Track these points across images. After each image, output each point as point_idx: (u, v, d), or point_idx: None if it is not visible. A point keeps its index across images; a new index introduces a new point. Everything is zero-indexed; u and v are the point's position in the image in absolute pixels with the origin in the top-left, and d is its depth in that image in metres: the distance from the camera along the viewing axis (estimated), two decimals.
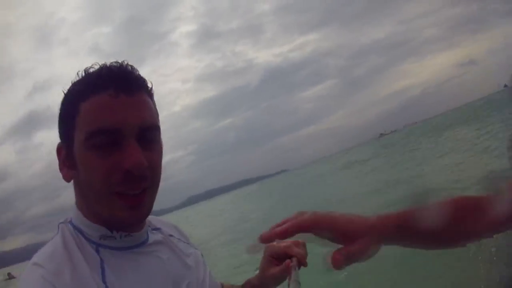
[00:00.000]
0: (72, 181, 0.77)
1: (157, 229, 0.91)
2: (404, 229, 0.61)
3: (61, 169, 0.77)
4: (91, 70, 0.74)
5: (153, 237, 0.86)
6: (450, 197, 0.77)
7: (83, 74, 0.75)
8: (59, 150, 0.77)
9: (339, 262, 0.52)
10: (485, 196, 0.81)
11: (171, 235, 0.93)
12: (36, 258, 0.72)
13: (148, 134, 0.73)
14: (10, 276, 43.76)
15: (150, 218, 0.86)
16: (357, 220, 0.57)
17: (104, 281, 0.70)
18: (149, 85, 0.77)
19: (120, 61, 0.74)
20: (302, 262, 0.85)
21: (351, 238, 0.54)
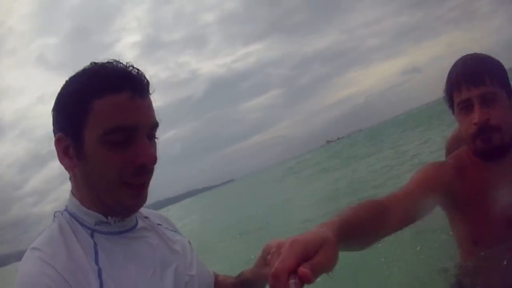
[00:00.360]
0: (68, 170, 0.85)
1: (145, 217, 0.97)
2: (344, 235, 0.72)
3: (61, 159, 0.83)
4: (96, 67, 0.82)
5: (142, 223, 0.93)
6: (360, 202, 0.95)
7: (89, 70, 0.82)
8: (58, 140, 0.83)
9: (307, 276, 0.53)
10: (385, 198, 1.06)
11: (159, 224, 1.00)
12: (34, 243, 0.79)
13: (153, 131, 0.85)
14: None
15: (141, 209, 0.92)
16: (312, 236, 0.60)
17: (97, 263, 0.77)
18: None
19: (126, 63, 0.82)
20: None
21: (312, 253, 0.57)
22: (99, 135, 0.78)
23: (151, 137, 0.85)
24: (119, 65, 0.82)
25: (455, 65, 1.26)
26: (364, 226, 0.88)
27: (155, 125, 0.85)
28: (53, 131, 0.85)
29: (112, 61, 0.82)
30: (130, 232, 0.89)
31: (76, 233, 0.81)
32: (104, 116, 0.78)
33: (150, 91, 0.86)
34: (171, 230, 1.02)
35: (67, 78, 0.84)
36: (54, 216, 0.86)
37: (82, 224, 0.83)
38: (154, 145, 0.85)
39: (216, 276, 1.09)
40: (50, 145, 0.85)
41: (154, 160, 0.82)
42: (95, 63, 0.82)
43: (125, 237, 0.87)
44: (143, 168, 0.81)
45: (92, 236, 0.82)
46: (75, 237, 0.80)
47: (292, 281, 0.52)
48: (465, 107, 1.20)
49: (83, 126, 0.79)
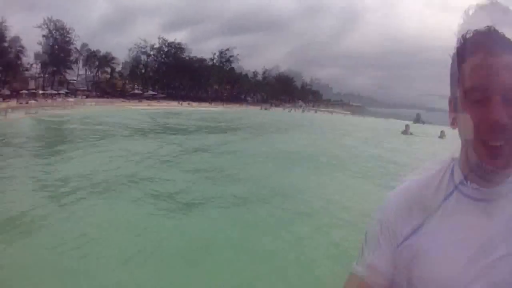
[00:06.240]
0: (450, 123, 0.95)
1: None
2: None
3: (449, 117, 0.91)
4: (468, 36, 0.85)
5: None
6: None
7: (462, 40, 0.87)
8: (450, 101, 0.91)
9: None
10: None
11: None
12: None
13: (509, 94, 0.81)
14: None
15: None
16: None
17: (425, 219, 0.90)
18: None
19: (489, 25, 0.82)
20: None
21: None
22: (462, 95, 0.82)
23: (508, 99, 0.79)
24: (480, 30, 0.81)
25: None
26: None
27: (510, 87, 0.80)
28: None
29: (489, 27, 0.81)
30: (488, 203, 0.84)
31: (440, 188, 0.91)
32: (465, 78, 0.81)
33: (510, 50, 0.80)
34: None
35: None
36: (450, 161, 0.97)
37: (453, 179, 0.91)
38: None
39: None
40: None
41: (497, 121, 0.76)
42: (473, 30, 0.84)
43: (479, 206, 0.85)
44: (492, 128, 0.77)
45: (451, 192, 0.89)
46: (442, 188, 0.91)
47: None
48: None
49: (457, 88, 0.85)
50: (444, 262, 0.83)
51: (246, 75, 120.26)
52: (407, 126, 30.25)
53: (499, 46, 0.78)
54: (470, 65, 0.81)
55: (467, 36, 0.82)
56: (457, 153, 0.93)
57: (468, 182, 0.87)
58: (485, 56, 0.78)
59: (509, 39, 0.78)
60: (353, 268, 0.95)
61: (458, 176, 0.90)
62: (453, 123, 0.90)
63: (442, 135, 28.73)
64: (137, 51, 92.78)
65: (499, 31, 0.79)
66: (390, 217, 0.93)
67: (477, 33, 0.80)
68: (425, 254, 0.85)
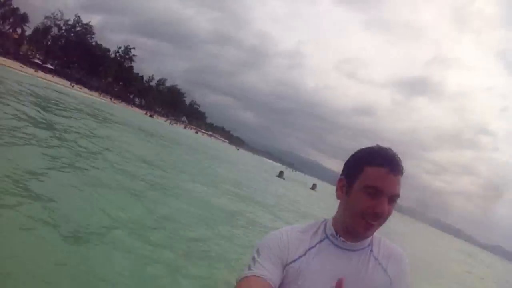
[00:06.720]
0: (340, 200, 1.31)
1: (371, 250, 1.31)
2: None
3: (337, 190, 1.31)
4: (373, 149, 1.25)
5: (366, 252, 1.29)
6: None
7: (368, 148, 1.27)
8: (340, 180, 1.30)
9: None
10: None
11: (377, 259, 1.30)
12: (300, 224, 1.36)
13: (393, 199, 1.21)
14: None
15: (384, 244, 1.33)
16: None
17: (311, 247, 1.27)
18: (404, 170, 1.23)
19: (390, 149, 1.24)
20: None
21: None
22: (362, 186, 1.20)
23: (391, 201, 1.21)
24: (389, 150, 1.22)
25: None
26: None
27: (395, 196, 1.20)
28: (342, 171, 1.31)
29: (385, 147, 1.24)
30: (349, 251, 1.27)
31: (317, 235, 1.31)
32: (369, 177, 1.20)
33: (401, 172, 1.21)
34: (382, 268, 1.28)
35: (359, 149, 1.29)
36: (323, 220, 1.36)
37: (325, 231, 1.31)
38: (391, 206, 1.21)
39: None
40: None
41: (384, 214, 1.18)
42: (378, 146, 1.26)
43: (343, 252, 1.27)
44: (377, 215, 1.18)
45: (323, 239, 1.29)
46: (318, 235, 1.30)
47: None
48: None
49: (356, 179, 1.23)
50: (314, 285, 1.21)
51: (141, 77, 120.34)
52: (281, 172, 34.80)
53: (397, 168, 1.19)
54: (375, 172, 1.19)
55: (380, 148, 1.23)
56: (329, 216, 1.34)
57: (338, 235, 1.27)
58: (388, 171, 1.18)
59: (400, 165, 1.21)
60: (245, 272, 1.20)
61: (330, 229, 1.30)
62: (340, 196, 1.29)
63: (313, 187, 34.47)
64: (51, 21, 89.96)
65: (397, 157, 1.20)
66: (282, 244, 1.26)
67: (387, 151, 1.22)
68: (303, 276, 1.22)
